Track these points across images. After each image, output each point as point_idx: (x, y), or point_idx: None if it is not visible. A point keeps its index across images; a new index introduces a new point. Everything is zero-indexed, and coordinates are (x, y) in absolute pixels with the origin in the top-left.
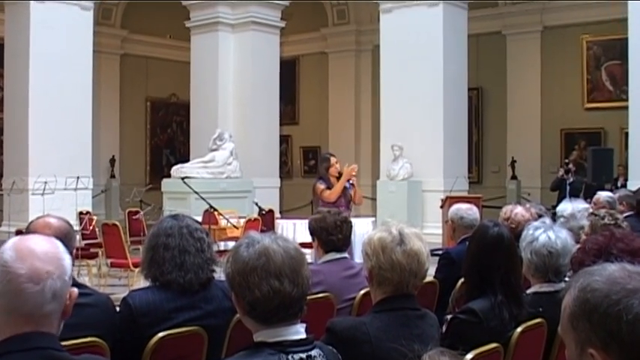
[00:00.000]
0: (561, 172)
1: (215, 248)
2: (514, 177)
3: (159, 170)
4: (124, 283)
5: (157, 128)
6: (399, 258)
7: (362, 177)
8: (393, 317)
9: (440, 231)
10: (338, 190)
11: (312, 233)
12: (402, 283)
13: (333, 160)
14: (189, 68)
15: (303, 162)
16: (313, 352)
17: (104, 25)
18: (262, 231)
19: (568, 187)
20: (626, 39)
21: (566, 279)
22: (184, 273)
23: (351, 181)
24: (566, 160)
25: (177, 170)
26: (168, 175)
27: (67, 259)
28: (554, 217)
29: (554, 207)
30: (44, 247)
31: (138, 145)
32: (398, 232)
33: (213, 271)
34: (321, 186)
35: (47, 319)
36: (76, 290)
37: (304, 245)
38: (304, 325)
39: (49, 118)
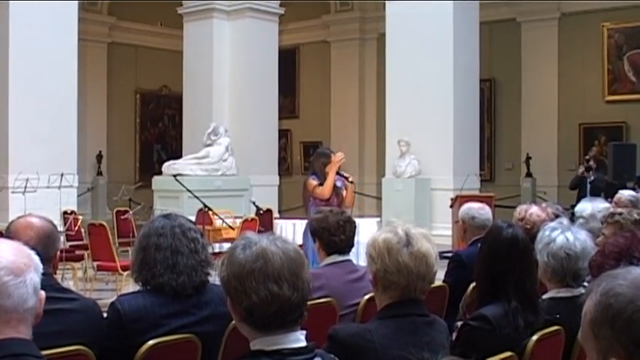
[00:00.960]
0: (581, 169)
1: (209, 250)
2: (529, 174)
3: (149, 167)
4: (111, 288)
5: (147, 122)
6: (405, 260)
7: (366, 174)
8: (399, 324)
9: (449, 232)
10: (330, 185)
11: (312, 234)
12: (409, 287)
13: (333, 156)
14: (182, 58)
15: (303, 158)
16: None
17: (90, 11)
18: (260, 232)
19: (589, 186)
20: None
21: (585, 284)
22: (177, 275)
23: (350, 179)
24: (587, 157)
25: (168, 167)
26: (159, 173)
27: (36, 257)
28: (572, 217)
29: (573, 207)
30: (12, 244)
31: (127, 140)
32: (404, 232)
33: (208, 274)
34: (314, 182)
35: (27, 319)
36: (43, 293)
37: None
38: (304, 332)
39: (31, 111)
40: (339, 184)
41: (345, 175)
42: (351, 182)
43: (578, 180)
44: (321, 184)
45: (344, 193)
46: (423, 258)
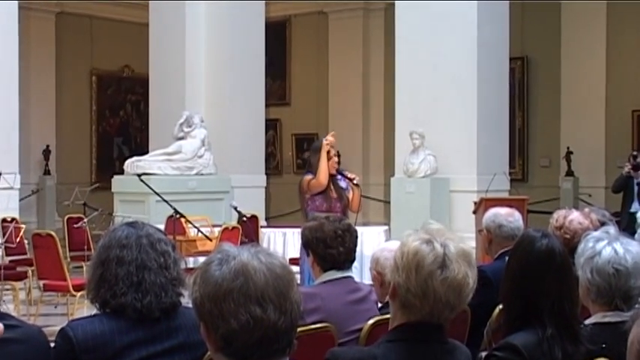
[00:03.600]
0: (627, 167)
1: (182, 265)
2: (570, 173)
3: (108, 165)
4: (61, 312)
5: (106, 110)
6: (435, 286)
7: (372, 173)
8: (413, 349)
9: (472, 243)
10: (323, 170)
11: (305, 246)
12: (433, 314)
13: (332, 152)
14: (147, 32)
15: (295, 154)
16: None
17: None
18: (242, 243)
19: (636, 188)
20: None
21: (638, 306)
22: (142, 295)
23: (356, 181)
24: (634, 153)
25: (132, 165)
26: (121, 172)
27: None
28: (619, 225)
29: (616, 214)
30: None
31: (80, 133)
32: (442, 248)
33: (180, 294)
34: (308, 176)
35: None
36: None
37: (296, 262)
38: None
39: None
40: (343, 184)
41: (350, 175)
42: (357, 185)
43: (622, 181)
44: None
45: (349, 195)
46: (457, 288)
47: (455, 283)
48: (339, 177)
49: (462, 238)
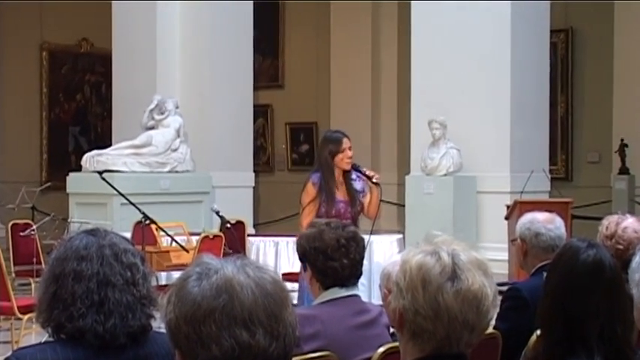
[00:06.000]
0: None
1: (153, 282)
2: (624, 170)
3: (62, 160)
4: (4, 339)
5: (60, 93)
6: (447, 302)
7: (383, 171)
8: None
9: (505, 255)
10: (308, 220)
11: (302, 258)
12: (450, 338)
13: (345, 143)
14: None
15: (290, 147)
16: None
17: None
18: (226, 254)
19: None
20: None
21: None
22: (105, 317)
23: (375, 179)
24: None
25: (91, 160)
26: (78, 168)
27: None
28: None
29: None
30: None
31: (28, 120)
32: (450, 258)
33: (151, 316)
34: (312, 188)
35: None
36: None
37: (290, 277)
38: None
39: None
40: (358, 187)
41: (369, 173)
42: (376, 184)
43: None
44: (318, 193)
45: (365, 200)
46: (473, 301)
47: (470, 295)
48: (354, 176)
49: (473, 246)
